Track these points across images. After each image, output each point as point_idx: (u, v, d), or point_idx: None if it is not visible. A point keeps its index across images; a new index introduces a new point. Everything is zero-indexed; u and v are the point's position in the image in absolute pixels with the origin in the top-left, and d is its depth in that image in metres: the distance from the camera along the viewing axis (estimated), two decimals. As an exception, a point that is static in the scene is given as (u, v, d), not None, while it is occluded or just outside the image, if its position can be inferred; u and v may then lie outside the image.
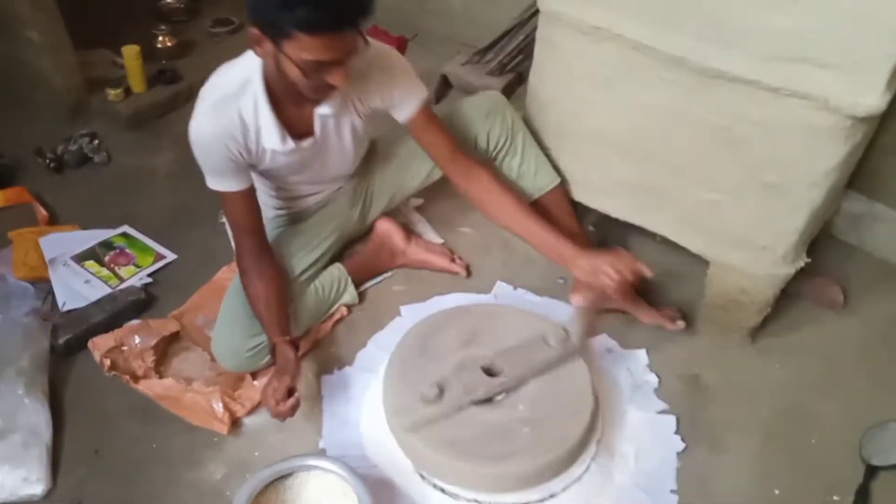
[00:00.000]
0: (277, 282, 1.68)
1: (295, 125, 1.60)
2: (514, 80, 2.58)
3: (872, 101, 1.41)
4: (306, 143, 1.63)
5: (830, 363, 1.83)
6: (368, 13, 1.37)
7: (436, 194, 2.15)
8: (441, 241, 2.11)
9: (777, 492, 1.58)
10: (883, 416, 1.67)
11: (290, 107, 1.57)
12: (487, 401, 1.57)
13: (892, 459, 1.61)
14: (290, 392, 1.56)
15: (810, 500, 1.57)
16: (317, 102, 1.56)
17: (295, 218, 1.89)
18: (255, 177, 1.70)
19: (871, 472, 1.60)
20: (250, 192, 1.65)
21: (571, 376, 1.62)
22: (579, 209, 1.96)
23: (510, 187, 1.75)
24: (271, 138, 1.57)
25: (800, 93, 1.45)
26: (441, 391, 1.54)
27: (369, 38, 1.46)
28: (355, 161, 1.84)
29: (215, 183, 1.60)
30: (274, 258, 1.72)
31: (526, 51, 2.57)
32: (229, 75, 1.54)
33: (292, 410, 1.55)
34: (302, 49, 1.35)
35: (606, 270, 1.56)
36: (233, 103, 1.52)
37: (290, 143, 1.59)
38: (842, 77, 1.42)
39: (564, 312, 1.92)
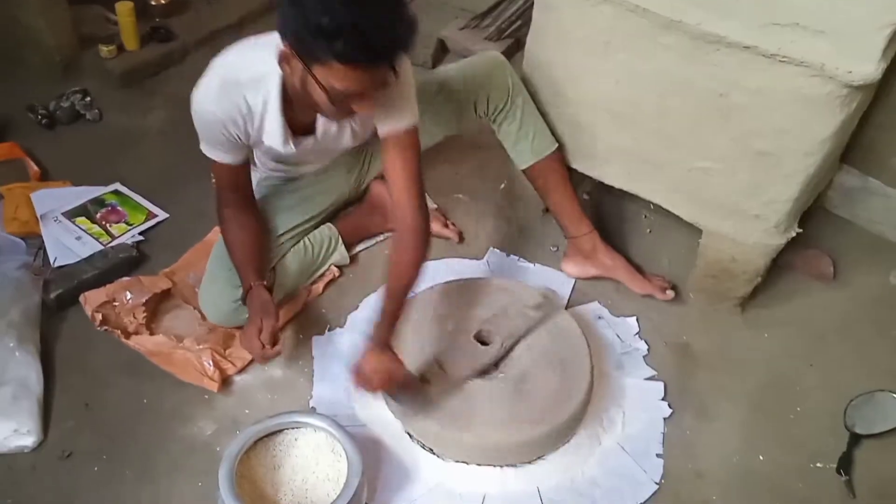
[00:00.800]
0: (257, 231, 1.68)
1: (297, 125, 1.57)
2: (513, 46, 2.57)
3: (868, 70, 1.41)
4: (305, 142, 1.61)
5: (818, 335, 1.84)
6: (409, 49, 1.32)
7: (431, 160, 2.13)
8: (435, 206, 2.11)
9: (761, 458, 1.60)
10: (868, 387, 1.68)
11: (299, 111, 1.53)
12: (485, 371, 1.58)
13: (876, 428, 1.63)
14: (276, 335, 1.55)
15: (793, 467, 1.59)
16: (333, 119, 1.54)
17: (288, 181, 1.87)
18: None
19: (855, 440, 1.62)
20: (243, 167, 1.63)
21: (568, 342, 1.64)
22: (575, 176, 1.95)
23: (415, 253, 1.53)
24: (274, 137, 1.54)
25: (796, 59, 1.45)
26: (441, 367, 1.54)
27: None
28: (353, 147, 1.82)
29: (209, 150, 1.58)
30: (257, 212, 1.71)
31: (524, 16, 2.55)
32: (249, 60, 1.47)
33: (277, 354, 1.56)
34: (333, 77, 1.27)
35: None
36: (240, 90, 1.47)
37: (291, 147, 1.58)
38: (838, 44, 1.41)
39: (557, 280, 1.93)
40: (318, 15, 1.21)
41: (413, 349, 1.60)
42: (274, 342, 1.55)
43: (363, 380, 1.46)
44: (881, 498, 1.54)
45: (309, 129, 1.61)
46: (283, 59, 1.35)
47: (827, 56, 1.42)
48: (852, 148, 2.04)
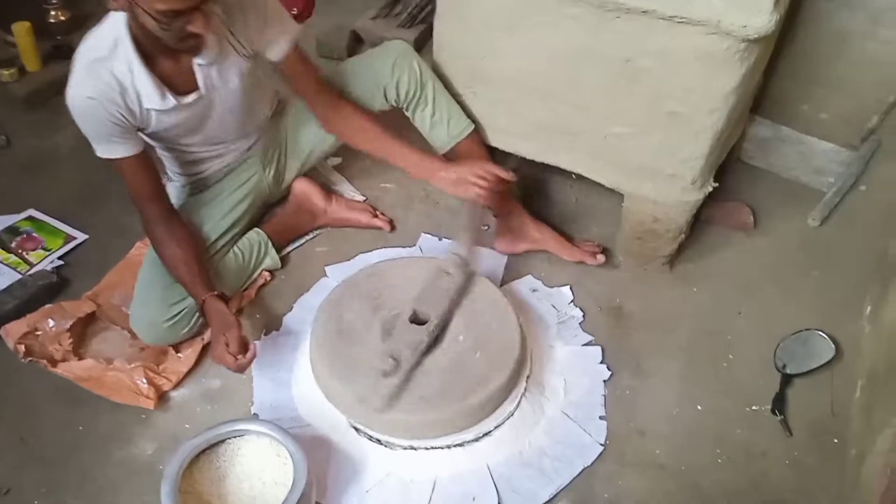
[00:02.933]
0: (191, 242, 1.65)
1: (175, 81, 1.56)
2: (426, 32, 2.55)
3: (761, 22, 1.45)
4: (190, 98, 1.59)
5: (744, 283, 1.90)
6: None
7: (354, 152, 2.12)
8: (363, 198, 2.10)
9: (699, 408, 1.65)
10: (796, 328, 1.74)
11: (166, 62, 1.53)
12: (430, 348, 1.57)
13: (805, 367, 1.69)
14: (244, 343, 1.54)
15: (730, 413, 1.64)
16: (191, 53, 1.53)
17: (201, 186, 1.85)
18: (152, 147, 1.66)
19: (786, 380, 1.69)
20: (144, 156, 1.60)
21: (496, 314, 1.64)
22: (497, 155, 1.97)
23: (370, 113, 1.81)
24: (150, 97, 1.53)
25: (692, 19, 1.48)
26: (395, 359, 1.53)
27: None
28: (255, 114, 1.81)
29: (105, 150, 1.56)
30: (183, 222, 1.69)
31: (434, 1, 2.54)
32: (97, 37, 1.50)
33: (252, 360, 1.55)
34: (154, 0, 1.33)
35: (469, 178, 1.69)
36: (104, 65, 1.48)
37: (171, 100, 1.56)
38: (731, 1, 1.45)
39: (490, 258, 1.95)
40: None
41: (359, 338, 1.58)
42: (245, 349, 1.54)
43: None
44: (816, 434, 1.61)
45: (191, 87, 1.59)
46: None
47: (722, 13, 1.46)
48: (763, 99, 2.10)
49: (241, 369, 1.54)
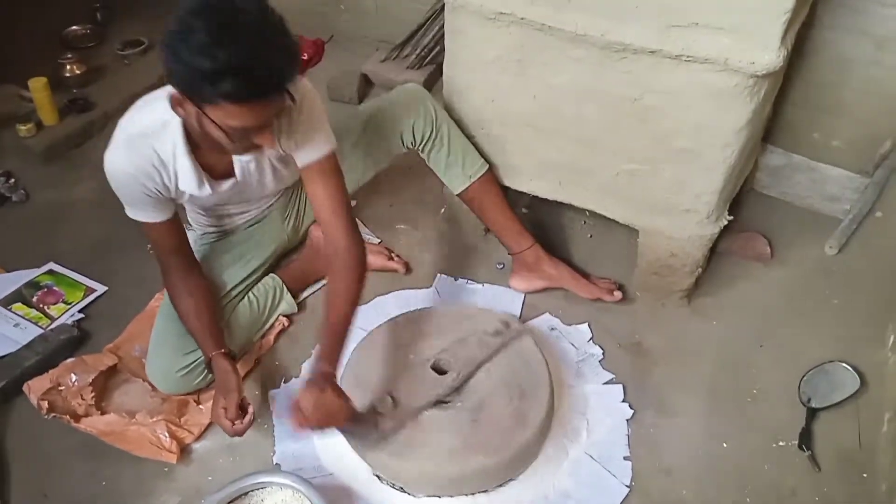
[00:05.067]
0: (206, 295, 1.66)
1: (214, 167, 1.56)
2: (435, 72, 2.59)
3: (769, 59, 1.46)
4: (226, 185, 1.61)
5: (764, 315, 1.89)
6: (294, 77, 1.33)
7: (369, 195, 2.15)
8: (377, 240, 2.11)
9: (725, 445, 1.62)
10: (818, 359, 1.73)
11: (211, 154, 1.53)
12: (442, 401, 1.57)
13: (830, 400, 1.67)
14: (243, 407, 1.54)
15: (757, 449, 1.62)
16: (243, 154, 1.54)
17: (224, 235, 1.86)
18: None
19: (812, 414, 1.66)
20: (172, 222, 1.60)
21: (525, 364, 1.64)
22: (511, 194, 1.98)
23: (351, 276, 1.55)
24: (188, 182, 1.53)
25: (700, 57, 1.49)
26: (394, 399, 1.53)
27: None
28: (283, 184, 1.80)
29: (135, 213, 1.56)
30: (202, 274, 1.70)
31: (442, 42, 2.56)
32: (149, 110, 1.48)
33: (249, 425, 1.54)
34: (227, 116, 1.29)
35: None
36: (149, 141, 1.47)
37: (208, 189, 1.57)
38: (738, 38, 1.46)
39: (506, 297, 1.94)
40: (198, 61, 1.22)
41: (368, 382, 1.59)
42: (243, 413, 1.53)
43: (301, 418, 1.42)
44: (844, 467, 1.58)
45: (228, 173, 1.60)
46: (176, 104, 1.36)
47: (729, 51, 1.47)
48: (774, 128, 2.11)
49: (238, 434, 1.53)
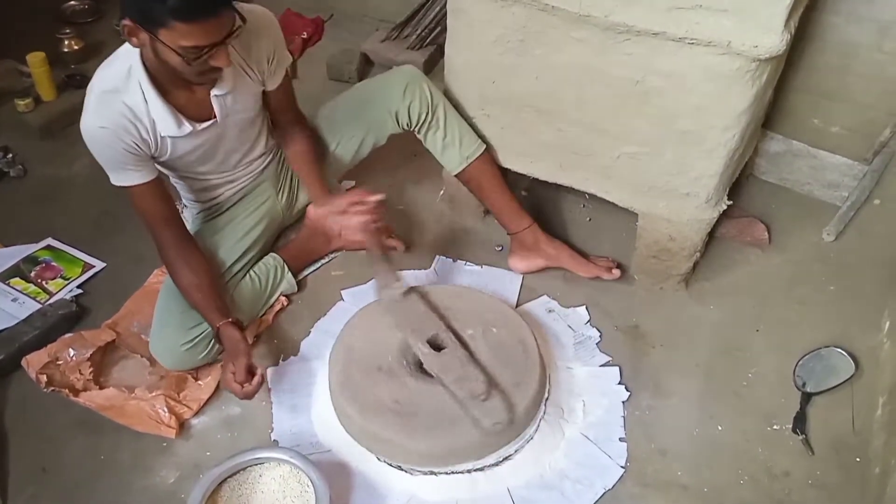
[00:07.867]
0: (206, 268, 1.67)
1: (190, 109, 1.59)
2: (436, 53, 2.58)
3: (772, 42, 1.45)
4: (206, 124, 1.62)
5: (761, 299, 1.90)
6: None
7: (368, 174, 2.14)
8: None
9: (720, 427, 1.64)
10: (813, 344, 1.74)
11: (181, 93, 1.57)
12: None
13: (825, 384, 1.68)
14: (251, 370, 1.56)
15: (752, 432, 1.63)
16: (207, 86, 1.56)
17: (216, 212, 1.86)
18: (167, 175, 1.68)
19: (807, 398, 1.67)
20: (157, 183, 1.63)
21: (517, 341, 1.64)
22: (510, 176, 1.98)
23: (313, 145, 1.83)
24: (166, 125, 1.56)
25: (703, 40, 1.49)
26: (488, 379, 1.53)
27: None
28: (265, 134, 1.83)
29: (118, 178, 1.59)
30: (198, 247, 1.70)
31: (443, 22, 2.55)
32: (111, 69, 1.53)
33: (258, 387, 1.56)
34: (179, 37, 1.36)
35: (345, 207, 1.66)
36: (117, 96, 1.51)
37: (187, 126, 1.59)
38: (741, 21, 1.46)
39: (505, 278, 1.95)
40: None
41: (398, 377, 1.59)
42: (251, 376, 1.56)
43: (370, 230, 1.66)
44: (838, 452, 1.59)
45: (206, 115, 1.62)
46: (130, 34, 1.42)
47: (732, 34, 1.47)
48: (774, 114, 2.11)
49: (248, 396, 1.56)
